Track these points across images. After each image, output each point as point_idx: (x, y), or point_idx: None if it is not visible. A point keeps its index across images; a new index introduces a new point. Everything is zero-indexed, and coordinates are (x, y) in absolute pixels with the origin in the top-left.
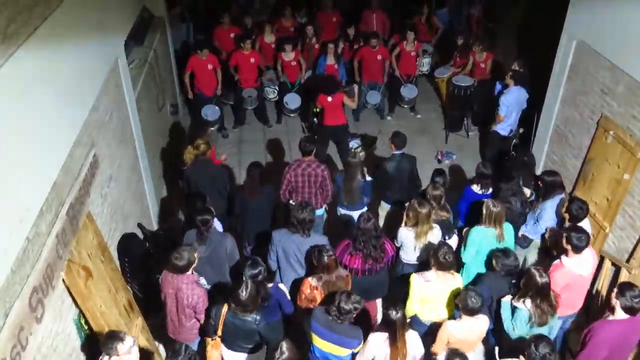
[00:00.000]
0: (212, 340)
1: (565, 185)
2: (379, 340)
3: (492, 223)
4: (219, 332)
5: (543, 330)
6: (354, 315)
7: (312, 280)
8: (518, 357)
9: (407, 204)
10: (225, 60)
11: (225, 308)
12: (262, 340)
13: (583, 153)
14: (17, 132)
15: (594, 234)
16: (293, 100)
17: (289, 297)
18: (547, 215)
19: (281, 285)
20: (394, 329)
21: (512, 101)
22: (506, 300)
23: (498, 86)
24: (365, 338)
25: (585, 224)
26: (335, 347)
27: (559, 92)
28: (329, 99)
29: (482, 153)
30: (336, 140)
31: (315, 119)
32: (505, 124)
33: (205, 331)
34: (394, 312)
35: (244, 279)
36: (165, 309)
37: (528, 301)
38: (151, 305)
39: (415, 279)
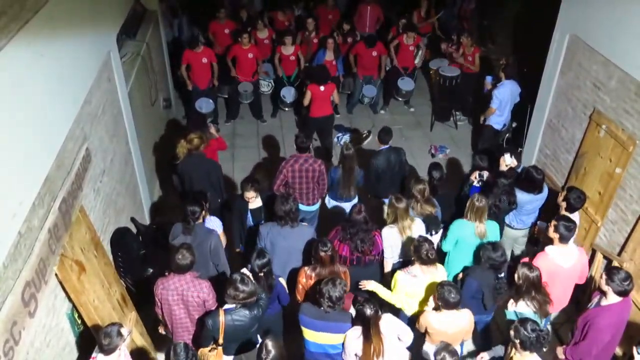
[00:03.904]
0: (211, 351)
1: (558, 180)
2: (356, 336)
3: (472, 217)
4: (220, 340)
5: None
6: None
7: (307, 270)
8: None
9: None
10: (222, 55)
11: (222, 314)
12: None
13: (575, 147)
14: (9, 126)
15: (586, 228)
16: (290, 94)
17: (287, 290)
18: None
19: (281, 279)
20: (368, 326)
21: (505, 95)
22: (509, 310)
23: (488, 79)
24: None
25: (574, 216)
26: (331, 335)
27: (552, 86)
28: (321, 88)
29: (475, 147)
30: (320, 130)
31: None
32: (500, 118)
33: (200, 342)
34: (368, 310)
35: (253, 270)
36: (171, 322)
37: (525, 302)
38: (144, 300)
39: (400, 275)
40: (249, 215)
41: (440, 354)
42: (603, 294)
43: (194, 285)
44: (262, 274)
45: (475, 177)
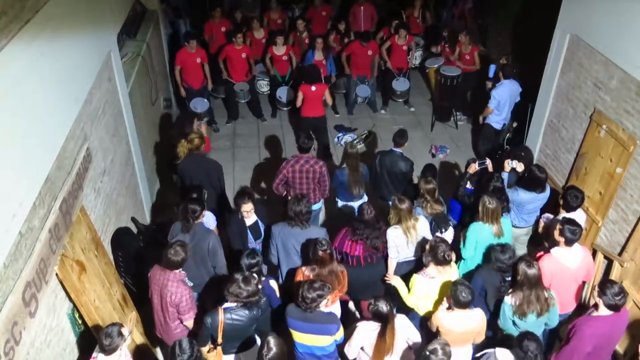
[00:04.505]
0: (210, 351)
1: (559, 180)
2: (368, 329)
3: (489, 219)
4: (219, 340)
5: (531, 326)
6: (322, 303)
7: (305, 270)
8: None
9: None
10: (215, 54)
11: (221, 314)
12: (256, 331)
13: (576, 147)
14: (9, 126)
15: (587, 228)
16: (286, 94)
17: (278, 294)
18: (513, 197)
19: (272, 282)
20: (386, 322)
21: (503, 94)
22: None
23: (492, 67)
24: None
25: (580, 215)
26: (315, 337)
27: (552, 86)
28: (313, 88)
29: (476, 147)
30: (315, 131)
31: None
32: (499, 118)
33: (199, 341)
34: (384, 306)
35: (241, 269)
36: (153, 307)
37: (517, 295)
38: (145, 299)
39: (418, 279)
40: (249, 234)
41: (434, 345)
42: (595, 305)
43: (171, 286)
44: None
45: (475, 168)
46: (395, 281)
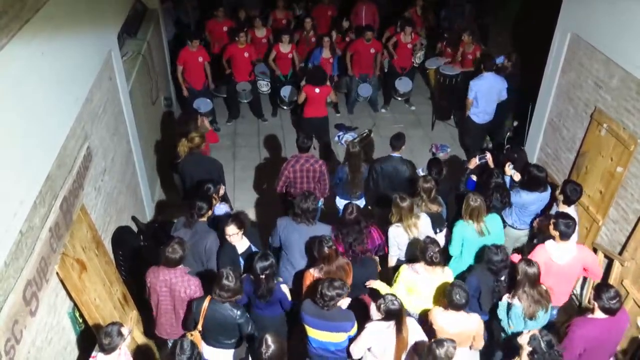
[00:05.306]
0: (192, 335)
1: (560, 179)
2: (378, 329)
3: (469, 217)
4: (199, 327)
5: (540, 323)
6: (340, 301)
7: (313, 272)
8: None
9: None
10: (218, 54)
11: (207, 302)
12: (242, 334)
13: (577, 146)
14: (10, 125)
15: (587, 227)
16: (290, 93)
17: (289, 297)
18: (516, 199)
19: (283, 286)
20: (400, 319)
21: (481, 87)
22: (502, 301)
23: (500, 59)
24: (361, 329)
25: (572, 211)
26: (330, 334)
27: (553, 85)
28: (317, 90)
29: (462, 141)
30: (316, 131)
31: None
32: (477, 110)
33: (186, 325)
34: (395, 302)
35: (255, 272)
36: (157, 311)
37: (522, 296)
38: (145, 298)
39: (404, 269)
40: (241, 262)
41: (442, 339)
42: (591, 309)
43: (182, 281)
44: (263, 277)
45: (475, 163)
46: (376, 284)
